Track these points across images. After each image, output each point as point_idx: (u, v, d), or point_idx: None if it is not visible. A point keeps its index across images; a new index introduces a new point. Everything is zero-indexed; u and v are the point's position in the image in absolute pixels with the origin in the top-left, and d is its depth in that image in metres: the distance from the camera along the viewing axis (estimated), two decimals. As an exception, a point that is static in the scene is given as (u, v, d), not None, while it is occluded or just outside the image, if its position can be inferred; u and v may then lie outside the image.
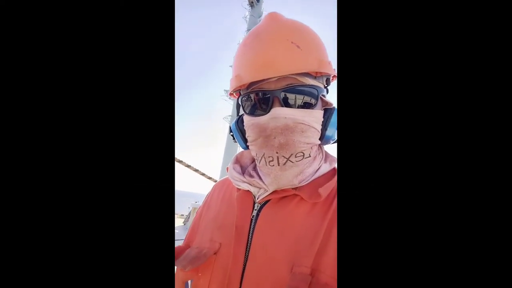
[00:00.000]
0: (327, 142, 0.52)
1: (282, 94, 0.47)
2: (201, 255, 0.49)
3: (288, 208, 0.48)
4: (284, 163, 0.47)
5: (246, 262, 0.46)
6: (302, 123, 0.47)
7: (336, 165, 0.54)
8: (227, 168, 0.59)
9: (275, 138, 0.47)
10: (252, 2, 7.56)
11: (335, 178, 0.50)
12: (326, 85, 0.53)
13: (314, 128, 0.48)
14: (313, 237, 0.44)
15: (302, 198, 0.48)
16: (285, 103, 0.47)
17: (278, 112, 0.46)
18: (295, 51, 0.47)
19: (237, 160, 0.60)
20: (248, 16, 7.60)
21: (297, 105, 0.48)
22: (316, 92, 0.48)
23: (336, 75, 0.54)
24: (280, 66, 0.46)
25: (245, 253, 0.47)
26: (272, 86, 0.48)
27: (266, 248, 0.45)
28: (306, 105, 0.48)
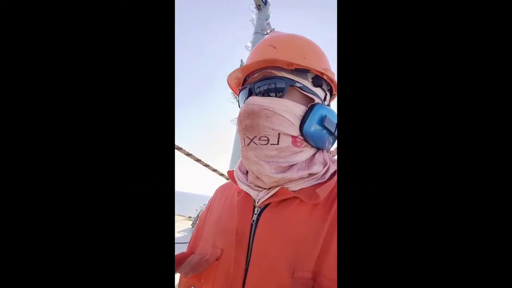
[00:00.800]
0: (314, 139, 0.53)
1: (256, 86, 0.54)
2: (203, 262, 0.50)
3: (288, 211, 0.49)
4: (248, 144, 0.52)
5: (247, 267, 0.47)
6: (267, 109, 0.50)
7: (335, 167, 0.54)
8: (228, 172, 0.62)
9: (243, 121, 0.52)
10: (259, 5, 7.66)
11: (334, 178, 0.51)
12: (317, 85, 0.56)
13: (282, 116, 0.51)
14: (314, 240, 0.44)
15: (301, 201, 0.49)
16: (257, 93, 0.54)
17: (250, 100, 0.52)
18: (270, 49, 0.55)
19: (242, 162, 0.62)
20: (255, 19, 7.70)
21: (265, 94, 0.53)
22: (284, 83, 0.52)
23: (330, 77, 0.57)
24: (253, 58, 0.56)
25: (247, 259, 0.47)
26: (252, 81, 0.55)
27: (267, 253, 0.46)
28: (274, 94, 0.53)
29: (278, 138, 0.51)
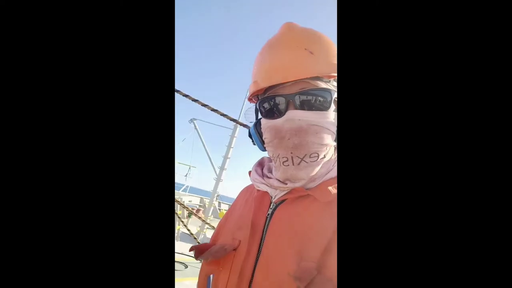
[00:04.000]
0: None
1: (297, 98, 0.50)
2: (222, 250, 0.54)
3: (301, 207, 0.51)
4: (299, 163, 0.50)
5: (258, 256, 0.50)
6: (316, 125, 0.49)
7: None
8: (249, 172, 0.63)
9: (289, 139, 0.50)
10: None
11: None
12: None
13: (328, 129, 0.51)
14: (322, 234, 0.46)
15: (315, 198, 0.50)
16: (299, 106, 0.50)
17: (293, 114, 0.49)
18: (308, 56, 0.50)
19: (259, 164, 0.65)
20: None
21: (310, 107, 0.50)
22: (329, 95, 0.51)
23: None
24: (293, 71, 0.50)
25: (259, 248, 0.51)
26: (286, 91, 0.51)
27: (277, 244, 0.49)
28: (319, 108, 0.51)
29: (326, 151, 0.52)
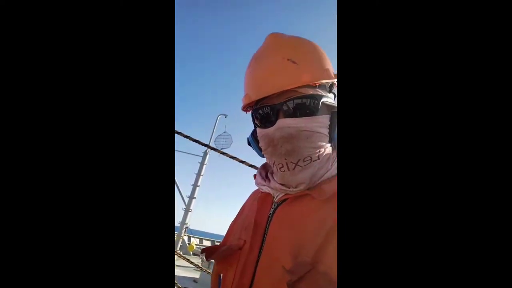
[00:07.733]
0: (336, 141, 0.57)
1: (284, 106, 0.54)
2: (228, 249, 0.58)
3: (300, 205, 0.54)
4: (294, 168, 0.53)
5: (260, 252, 0.53)
6: (306, 130, 0.53)
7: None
8: (255, 175, 0.66)
9: (281, 146, 0.53)
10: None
11: None
12: (330, 91, 0.58)
13: (319, 133, 0.54)
14: (318, 231, 0.48)
15: (313, 197, 0.52)
16: (288, 114, 0.54)
17: (282, 123, 0.53)
18: (291, 67, 0.53)
19: (263, 167, 0.68)
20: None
21: (298, 114, 0.53)
22: (315, 101, 0.54)
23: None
24: (278, 83, 0.53)
25: (261, 245, 0.54)
26: (275, 100, 0.54)
27: (277, 240, 0.52)
28: (308, 113, 0.54)
29: (320, 153, 0.55)
